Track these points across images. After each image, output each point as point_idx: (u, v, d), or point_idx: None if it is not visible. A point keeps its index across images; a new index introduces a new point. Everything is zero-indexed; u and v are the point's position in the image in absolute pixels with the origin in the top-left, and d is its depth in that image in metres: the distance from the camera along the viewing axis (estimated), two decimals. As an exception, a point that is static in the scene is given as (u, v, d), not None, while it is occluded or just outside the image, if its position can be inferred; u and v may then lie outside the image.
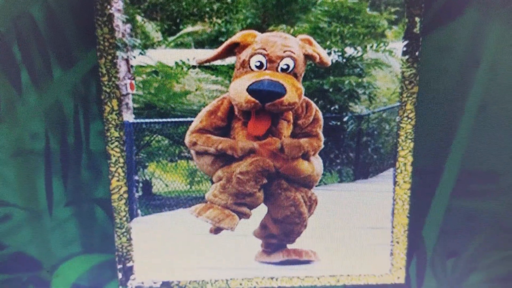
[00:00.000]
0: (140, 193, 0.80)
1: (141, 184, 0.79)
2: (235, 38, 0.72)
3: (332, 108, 0.78)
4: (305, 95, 0.74)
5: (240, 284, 0.83)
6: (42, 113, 0.75)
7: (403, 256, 0.83)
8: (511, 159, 0.79)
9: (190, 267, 0.82)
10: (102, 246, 0.81)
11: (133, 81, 0.75)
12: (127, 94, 0.75)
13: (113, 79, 0.74)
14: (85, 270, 0.83)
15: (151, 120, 0.77)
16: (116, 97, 0.74)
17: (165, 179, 0.80)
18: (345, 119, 0.79)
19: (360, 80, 0.77)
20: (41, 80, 0.74)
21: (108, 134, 0.76)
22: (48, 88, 0.74)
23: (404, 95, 0.76)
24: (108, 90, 0.74)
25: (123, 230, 0.80)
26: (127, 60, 0.74)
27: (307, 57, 0.73)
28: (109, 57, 0.73)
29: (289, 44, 0.72)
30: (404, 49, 0.74)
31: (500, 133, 0.78)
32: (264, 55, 0.71)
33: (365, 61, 0.76)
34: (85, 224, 0.80)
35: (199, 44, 0.74)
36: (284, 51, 0.71)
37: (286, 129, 0.76)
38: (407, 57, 0.75)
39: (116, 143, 0.77)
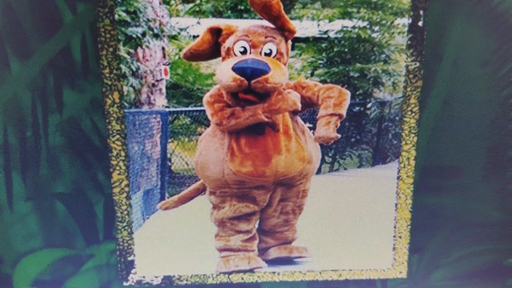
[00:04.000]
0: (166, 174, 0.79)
1: (160, 162, 0.79)
2: (216, 25, 0.73)
3: (357, 93, 0.78)
4: (331, 82, 0.75)
5: (242, 278, 0.83)
6: None
7: (405, 251, 0.83)
8: (472, 155, 0.79)
9: (191, 261, 0.82)
10: (64, 241, 0.81)
11: (167, 67, 0.75)
12: (161, 79, 0.76)
13: (114, 71, 0.73)
14: (47, 264, 0.82)
15: (178, 109, 0.77)
16: (117, 89, 0.74)
17: (185, 157, 0.80)
18: (369, 105, 0.79)
19: (386, 67, 0.77)
20: None
21: (109, 127, 0.75)
22: (5, 81, 0.73)
23: (408, 89, 0.75)
24: (109, 82, 0.73)
25: (124, 224, 0.80)
26: (163, 47, 0.74)
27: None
28: (111, 49, 0.72)
29: (270, 31, 0.73)
30: (409, 42, 0.74)
31: (462, 129, 0.78)
32: (247, 41, 0.72)
33: (391, 47, 0.75)
34: (46, 219, 0.79)
35: (218, 13, 0.75)
36: (266, 37, 0.72)
37: (283, 118, 0.75)
38: (411, 50, 0.74)
39: (118, 136, 0.76)
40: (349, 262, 0.83)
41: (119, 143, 0.76)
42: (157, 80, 0.76)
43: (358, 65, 0.76)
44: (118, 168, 0.77)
